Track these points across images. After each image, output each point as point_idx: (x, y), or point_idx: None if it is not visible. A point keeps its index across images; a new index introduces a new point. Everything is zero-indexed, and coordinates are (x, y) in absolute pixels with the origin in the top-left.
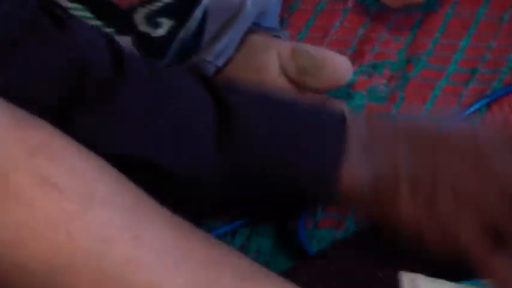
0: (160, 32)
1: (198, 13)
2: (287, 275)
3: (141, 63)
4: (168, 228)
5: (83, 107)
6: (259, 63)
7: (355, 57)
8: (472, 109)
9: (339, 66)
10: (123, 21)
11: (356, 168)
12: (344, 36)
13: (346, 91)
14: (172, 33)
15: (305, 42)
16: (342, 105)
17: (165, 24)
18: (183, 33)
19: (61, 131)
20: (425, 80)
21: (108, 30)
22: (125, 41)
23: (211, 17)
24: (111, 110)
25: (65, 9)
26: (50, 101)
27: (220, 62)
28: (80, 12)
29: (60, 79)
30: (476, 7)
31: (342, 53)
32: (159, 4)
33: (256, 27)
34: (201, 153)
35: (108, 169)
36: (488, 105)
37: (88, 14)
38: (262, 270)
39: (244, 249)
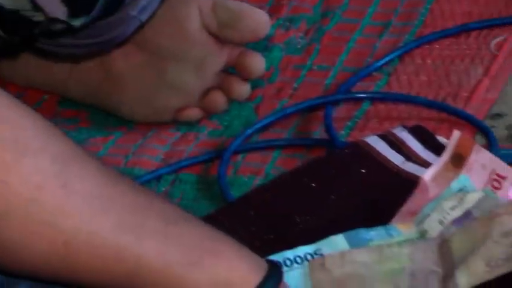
0: None
1: None
2: (209, 219)
3: None
4: (96, 176)
5: None
6: (181, 18)
7: (273, 11)
8: (384, 60)
9: (258, 19)
10: None
11: None
12: None
13: (265, 44)
14: None
15: None
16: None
17: None
18: None
19: None
20: (340, 33)
21: None
22: None
23: None
24: None
25: None
26: None
27: (144, 17)
28: None
29: None
30: None
31: (260, 7)
32: None
33: None
34: None
35: (40, 120)
36: (400, 57)
37: None
38: (185, 214)
39: (168, 195)
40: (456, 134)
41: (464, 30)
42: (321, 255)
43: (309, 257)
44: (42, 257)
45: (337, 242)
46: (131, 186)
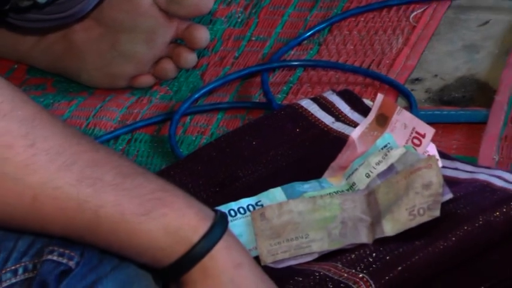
0: None
1: None
2: (161, 174)
3: None
4: (60, 136)
5: None
6: None
7: None
8: (314, 30)
9: None
10: None
11: None
12: None
13: (209, 18)
14: None
15: None
16: None
17: None
18: None
19: None
20: (275, 8)
21: None
22: None
23: None
24: None
25: None
26: None
27: None
28: None
29: None
30: None
31: None
32: None
33: None
34: None
35: (9, 86)
36: (329, 29)
37: None
38: (140, 169)
39: (125, 153)
40: (380, 96)
41: (386, 5)
42: (262, 206)
43: (250, 207)
44: (12, 209)
45: (276, 194)
46: (92, 145)
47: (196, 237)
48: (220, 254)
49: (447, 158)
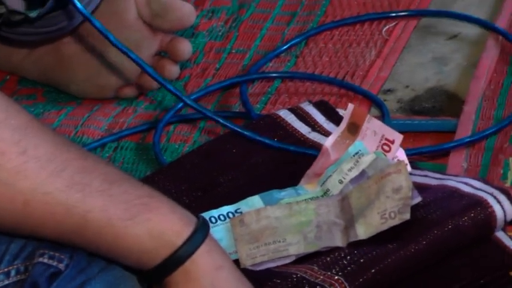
0: None
1: None
2: (146, 180)
3: None
4: (50, 143)
5: None
6: (120, 9)
7: (198, 3)
8: (291, 43)
9: (185, 11)
10: None
11: None
12: None
13: (191, 31)
14: None
15: None
16: None
17: None
18: None
19: None
20: (255, 22)
21: None
22: None
23: None
24: None
25: None
26: None
27: (90, 9)
28: None
29: None
30: None
31: (187, 0)
32: None
33: None
34: None
35: (3, 97)
36: (306, 42)
37: None
38: (126, 176)
39: (111, 160)
40: (350, 106)
41: (359, 20)
42: (241, 213)
43: (230, 215)
44: (4, 213)
45: (254, 202)
46: (80, 152)
47: (179, 241)
48: (202, 258)
49: (417, 168)
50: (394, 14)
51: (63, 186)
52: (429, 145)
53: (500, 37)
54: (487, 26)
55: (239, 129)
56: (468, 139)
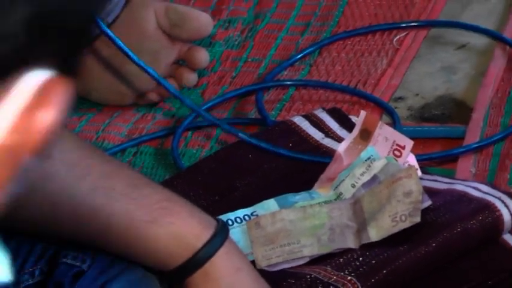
0: None
1: None
2: (165, 184)
3: None
4: (76, 149)
5: None
6: (140, 19)
7: (215, 13)
8: (305, 52)
9: (202, 21)
10: None
11: None
12: None
13: (208, 41)
14: None
15: (176, 2)
16: None
17: None
18: None
19: None
20: (270, 32)
21: None
22: None
23: None
24: None
25: None
26: None
27: (110, 19)
28: None
29: None
30: None
31: (204, 10)
32: None
33: None
34: None
35: None
36: (319, 51)
37: None
38: (146, 180)
39: (131, 164)
40: (363, 113)
41: (371, 30)
42: (256, 215)
43: (246, 217)
44: (32, 216)
45: (269, 205)
46: (103, 157)
47: (199, 244)
48: (221, 260)
49: (427, 173)
50: (404, 25)
51: (88, 190)
52: (438, 151)
53: (508, 47)
54: (495, 36)
55: (249, 139)
56: (476, 145)
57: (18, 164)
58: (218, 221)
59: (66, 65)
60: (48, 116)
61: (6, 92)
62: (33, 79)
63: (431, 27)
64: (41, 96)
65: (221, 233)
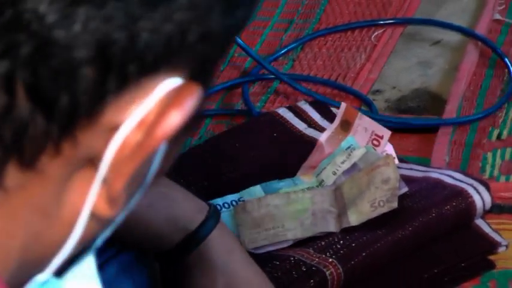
0: None
1: None
2: None
3: None
4: None
5: None
6: None
7: None
8: (289, 48)
9: None
10: None
11: None
12: None
13: None
14: None
15: None
16: None
17: None
18: None
19: None
20: (255, 28)
21: None
22: None
23: None
24: None
25: None
26: None
27: None
28: None
29: None
30: None
31: None
32: None
33: None
34: None
35: None
36: (302, 47)
37: None
38: None
39: None
40: (343, 105)
41: (351, 27)
42: (243, 201)
43: (234, 203)
44: None
45: (255, 191)
46: None
47: (193, 226)
48: (215, 241)
49: (404, 162)
50: (382, 22)
51: None
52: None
53: (480, 43)
54: (467, 32)
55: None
56: (453, 121)
57: (141, 161)
58: (210, 205)
59: (201, 73)
60: (174, 118)
61: (143, 91)
62: (168, 83)
63: (408, 24)
64: (172, 100)
65: (214, 216)
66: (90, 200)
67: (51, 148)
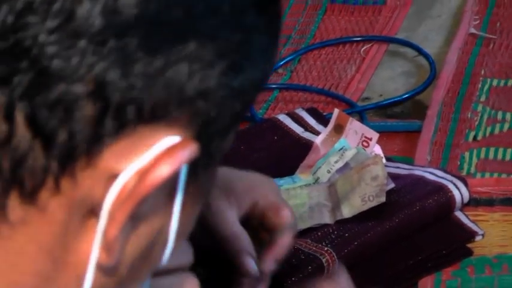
0: None
1: None
2: None
3: None
4: None
5: None
6: None
7: None
8: (287, 60)
9: None
10: None
11: None
12: None
13: None
14: None
15: None
16: None
17: None
18: None
19: None
20: None
21: None
22: None
23: None
24: None
25: None
26: None
27: None
28: None
29: None
30: None
31: None
32: None
33: None
34: None
35: None
36: (299, 59)
37: None
38: None
39: None
40: (336, 111)
41: (342, 41)
42: None
43: None
44: None
45: None
46: None
47: None
48: None
49: (391, 161)
50: (369, 38)
51: None
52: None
53: (458, 53)
54: (419, 51)
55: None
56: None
57: (132, 207)
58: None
59: (203, 136)
60: (164, 170)
61: (142, 141)
62: (168, 141)
63: (390, 43)
64: (165, 151)
65: None
66: (95, 249)
67: (51, 183)
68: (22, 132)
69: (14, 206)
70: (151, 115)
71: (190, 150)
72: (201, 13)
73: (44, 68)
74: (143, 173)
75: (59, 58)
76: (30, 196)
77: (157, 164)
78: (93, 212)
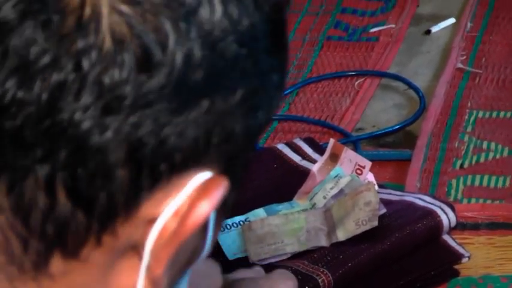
0: None
1: None
2: None
3: None
4: None
5: None
6: None
7: None
8: (285, 93)
9: None
10: None
11: None
12: None
13: None
14: None
15: None
16: None
17: None
18: None
19: None
20: None
21: None
22: None
23: None
24: None
25: None
26: None
27: None
28: None
29: None
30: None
31: None
32: None
33: None
34: None
35: None
36: (297, 92)
37: None
38: None
39: None
40: (332, 141)
41: (337, 76)
42: (249, 221)
43: (241, 222)
44: None
45: (259, 213)
46: None
47: None
48: None
49: (383, 187)
50: (363, 72)
51: None
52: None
53: (446, 86)
54: (410, 85)
55: None
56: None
57: (176, 247)
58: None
59: (230, 168)
60: (203, 209)
61: (176, 186)
62: (199, 178)
63: (382, 77)
64: (201, 192)
65: None
66: (139, 285)
67: (92, 241)
68: (63, 202)
69: (57, 262)
70: (182, 166)
71: (224, 186)
72: (222, 71)
73: (81, 144)
74: (184, 214)
75: (95, 134)
76: (72, 254)
77: (196, 203)
78: (133, 249)
